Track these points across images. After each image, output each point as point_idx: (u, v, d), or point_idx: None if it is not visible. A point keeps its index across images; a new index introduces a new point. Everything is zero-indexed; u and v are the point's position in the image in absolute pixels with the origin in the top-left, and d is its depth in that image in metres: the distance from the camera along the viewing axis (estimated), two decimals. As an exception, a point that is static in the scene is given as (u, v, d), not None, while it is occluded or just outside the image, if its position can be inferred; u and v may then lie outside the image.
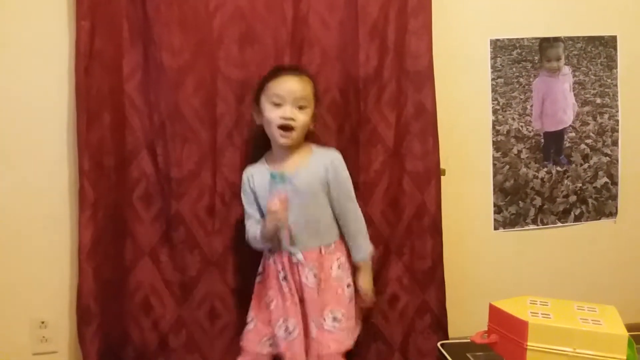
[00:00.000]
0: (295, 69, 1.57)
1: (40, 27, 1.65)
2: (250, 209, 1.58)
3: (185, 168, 1.65)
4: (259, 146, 1.63)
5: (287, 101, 1.50)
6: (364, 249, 1.59)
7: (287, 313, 1.51)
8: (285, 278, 1.53)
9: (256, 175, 1.57)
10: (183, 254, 1.66)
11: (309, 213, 1.53)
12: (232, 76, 1.66)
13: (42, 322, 1.73)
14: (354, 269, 1.60)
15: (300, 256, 1.52)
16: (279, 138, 1.52)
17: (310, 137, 1.63)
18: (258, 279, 1.61)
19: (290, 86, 1.51)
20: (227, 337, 1.70)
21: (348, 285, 1.57)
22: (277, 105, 1.51)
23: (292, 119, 1.50)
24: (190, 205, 1.66)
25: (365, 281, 1.59)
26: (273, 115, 1.51)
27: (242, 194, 1.59)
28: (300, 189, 1.51)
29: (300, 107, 1.51)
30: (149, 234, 1.68)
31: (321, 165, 1.55)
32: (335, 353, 1.49)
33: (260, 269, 1.61)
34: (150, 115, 1.65)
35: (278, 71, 1.55)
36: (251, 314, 1.58)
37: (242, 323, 1.64)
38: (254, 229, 1.55)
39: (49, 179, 1.69)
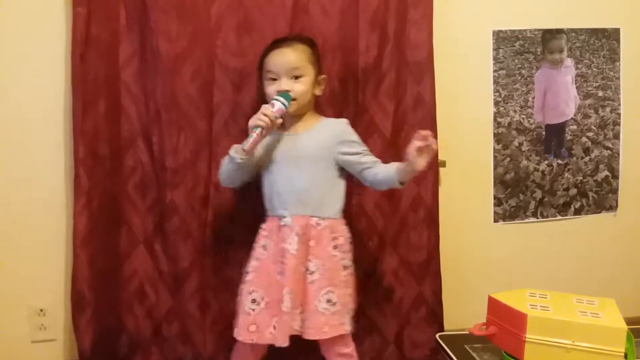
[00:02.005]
0: (289, 39, 1.54)
1: (36, 14, 1.64)
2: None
3: (180, 157, 1.63)
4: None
5: (281, 74, 1.49)
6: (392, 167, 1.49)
7: (257, 284, 1.47)
8: (264, 247, 1.50)
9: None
10: (176, 244, 1.65)
11: (305, 177, 1.49)
12: (230, 65, 1.65)
13: (41, 310, 1.73)
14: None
15: (288, 220, 1.47)
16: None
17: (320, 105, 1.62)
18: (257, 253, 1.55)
19: (281, 59, 1.49)
20: (219, 329, 1.69)
21: (345, 267, 1.52)
22: (273, 80, 1.50)
23: (287, 91, 1.48)
24: (185, 195, 1.65)
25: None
26: (270, 90, 1.50)
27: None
28: (302, 152, 1.50)
29: (296, 77, 1.49)
30: (144, 223, 1.67)
31: (328, 131, 1.54)
32: (337, 336, 1.47)
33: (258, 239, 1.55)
34: (146, 103, 1.64)
35: (272, 45, 1.54)
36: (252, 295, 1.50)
37: (234, 315, 1.63)
38: (224, 159, 1.49)
39: (44, 166, 1.69)
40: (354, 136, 1.56)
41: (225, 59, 1.64)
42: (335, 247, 1.51)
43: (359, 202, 1.72)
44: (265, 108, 1.43)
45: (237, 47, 1.65)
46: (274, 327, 1.43)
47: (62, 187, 1.69)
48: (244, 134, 1.65)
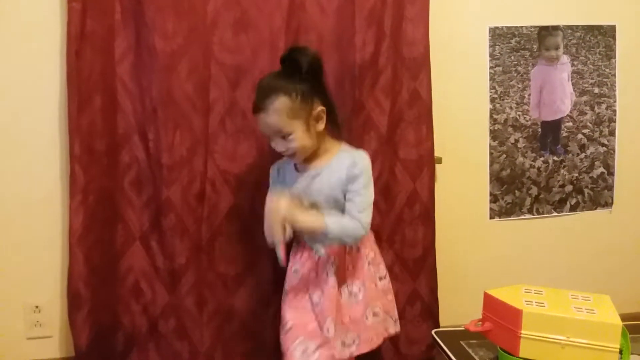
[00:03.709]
0: (263, 99, 1.38)
1: (31, 9, 1.63)
2: None
3: (176, 154, 1.63)
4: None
5: (271, 136, 1.42)
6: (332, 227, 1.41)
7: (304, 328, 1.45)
8: (296, 271, 1.50)
9: (283, 169, 1.52)
10: (172, 240, 1.65)
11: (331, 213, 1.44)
12: (226, 62, 1.65)
13: (36, 307, 1.72)
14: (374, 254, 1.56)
15: (322, 251, 1.46)
16: (291, 160, 1.49)
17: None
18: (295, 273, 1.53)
19: (263, 127, 1.42)
20: (215, 325, 1.69)
21: (380, 279, 1.55)
22: (270, 137, 1.44)
23: (285, 151, 1.43)
24: (181, 191, 1.64)
25: (300, 219, 1.39)
26: (272, 146, 1.45)
27: (270, 189, 1.52)
28: (322, 189, 1.44)
29: (284, 137, 1.40)
30: (140, 219, 1.67)
31: (343, 165, 1.44)
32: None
33: (291, 264, 1.54)
34: (142, 99, 1.64)
35: (254, 102, 1.42)
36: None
37: (230, 310, 1.64)
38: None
39: (40, 163, 1.68)
40: (359, 181, 1.43)
41: (222, 56, 1.64)
42: (369, 263, 1.53)
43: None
44: (268, 217, 1.36)
45: (234, 44, 1.65)
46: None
47: (58, 183, 1.69)
48: (240, 131, 1.66)
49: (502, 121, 1.97)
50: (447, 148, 1.88)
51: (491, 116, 1.97)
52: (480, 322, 1.45)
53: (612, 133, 2.06)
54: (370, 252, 1.55)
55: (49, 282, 1.71)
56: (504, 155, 1.99)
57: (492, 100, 1.96)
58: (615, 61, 2.04)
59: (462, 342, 1.58)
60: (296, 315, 1.47)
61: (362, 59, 1.69)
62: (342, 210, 1.44)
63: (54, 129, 1.67)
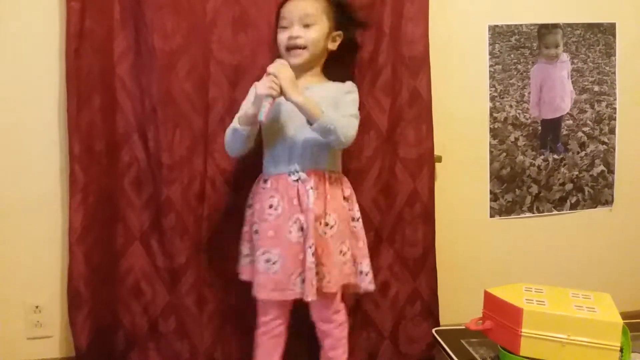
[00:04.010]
0: None
1: (29, 9, 1.63)
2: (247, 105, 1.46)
3: (176, 153, 1.63)
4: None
5: (293, 21, 1.47)
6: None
7: (271, 244, 1.42)
8: (272, 206, 1.44)
9: None
10: (172, 240, 1.65)
11: (304, 132, 1.44)
12: (226, 61, 1.64)
13: (37, 307, 1.72)
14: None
15: (302, 174, 1.44)
16: (290, 58, 1.47)
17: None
18: (248, 211, 1.53)
19: (295, 6, 1.47)
20: (216, 324, 1.69)
21: (353, 219, 1.52)
22: (285, 28, 1.48)
23: (298, 37, 1.46)
24: (181, 191, 1.64)
25: (299, 91, 1.40)
26: (281, 37, 1.49)
27: (246, 100, 1.50)
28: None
29: (307, 25, 1.47)
30: (140, 219, 1.67)
31: (334, 87, 1.51)
32: (330, 299, 1.47)
33: (249, 200, 1.54)
34: (141, 99, 1.63)
35: None
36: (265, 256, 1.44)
37: (231, 310, 1.63)
38: (228, 129, 1.46)
39: (39, 163, 1.68)
40: (352, 95, 1.51)
41: (221, 55, 1.64)
42: (344, 198, 1.51)
43: (357, 199, 1.71)
44: (273, 71, 1.37)
45: (233, 43, 1.64)
46: (296, 283, 1.40)
47: (58, 183, 1.68)
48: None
49: (502, 119, 1.97)
50: (447, 147, 1.88)
51: (491, 114, 1.96)
52: (480, 321, 1.45)
53: (612, 131, 2.05)
54: (347, 189, 1.53)
55: (49, 282, 1.71)
56: (504, 154, 1.99)
57: (492, 98, 1.96)
58: (615, 59, 2.03)
59: (462, 341, 1.59)
60: (284, 251, 1.42)
61: (361, 57, 1.69)
62: None
63: (54, 128, 1.66)
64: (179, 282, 1.67)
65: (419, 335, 1.81)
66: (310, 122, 1.39)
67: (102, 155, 1.63)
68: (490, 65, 1.94)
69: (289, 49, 1.48)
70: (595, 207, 2.07)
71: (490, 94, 1.96)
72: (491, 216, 2.00)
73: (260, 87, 1.37)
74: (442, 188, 1.87)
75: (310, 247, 1.40)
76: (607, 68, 2.03)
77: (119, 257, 1.67)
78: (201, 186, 1.66)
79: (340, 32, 1.54)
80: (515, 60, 1.96)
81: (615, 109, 2.05)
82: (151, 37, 1.58)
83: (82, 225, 1.61)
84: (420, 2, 1.74)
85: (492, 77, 1.95)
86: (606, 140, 2.05)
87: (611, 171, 2.07)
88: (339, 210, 1.48)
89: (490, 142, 1.97)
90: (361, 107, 1.70)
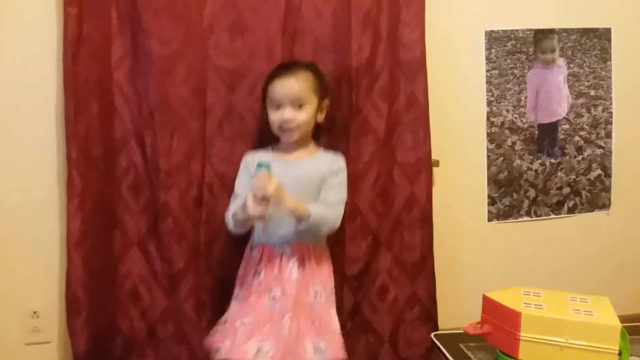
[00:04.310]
0: (293, 67, 1.53)
1: (27, 15, 1.63)
2: (242, 190, 1.51)
3: (174, 159, 1.63)
4: (268, 136, 1.60)
5: (285, 103, 1.49)
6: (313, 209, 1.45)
7: (245, 313, 1.46)
8: (258, 274, 1.49)
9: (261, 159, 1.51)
10: (170, 245, 1.64)
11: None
12: (223, 66, 1.64)
13: (34, 313, 1.71)
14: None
15: (287, 248, 1.48)
16: (284, 137, 1.53)
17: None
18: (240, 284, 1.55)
19: (285, 89, 1.49)
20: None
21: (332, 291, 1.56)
22: (277, 107, 1.50)
23: (291, 121, 1.49)
24: (179, 196, 1.64)
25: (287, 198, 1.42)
26: (274, 118, 1.51)
27: (238, 176, 1.56)
28: (299, 178, 1.48)
29: (300, 106, 1.50)
30: (138, 224, 1.66)
31: (324, 161, 1.54)
32: None
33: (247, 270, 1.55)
34: (139, 104, 1.63)
35: (276, 71, 1.54)
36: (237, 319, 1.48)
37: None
38: (227, 216, 1.51)
39: (37, 168, 1.67)
40: (339, 176, 1.54)
41: (218, 60, 1.64)
42: (327, 263, 1.56)
43: (353, 202, 1.72)
44: (260, 191, 1.35)
45: (230, 48, 1.65)
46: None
47: (55, 188, 1.68)
48: (238, 135, 1.66)
49: (499, 124, 1.98)
50: (445, 151, 1.88)
51: (488, 119, 1.97)
52: (479, 325, 1.45)
53: (608, 135, 2.06)
54: (331, 264, 1.57)
55: (47, 287, 1.71)
56: (501, 158, 1.99)
57: (489, 103, 1.97)
58: (611, 63, 2.04)
59: (461, 345, 1.59)
60: (254, 316, 1.45)
61: (358, 62, 1.69)
62: (315, 196, 1.49)
63: (51, 134, 1.66)
64: (177, 287, 1.66)
65: (418, 339, 1.81)
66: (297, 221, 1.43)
67: (100, 161, 1.63)
68: (487, 70, 1.95)
69: (282, 129, 1.51)
70: (593, 211, 2.07)
71: (487, 99, 1.96)
72: (489, 220, 2.00)
73: (251, 211, 1.36)
74: (440, 192, 1.87)
75: (290, 319, 1.42)
76: (603, 73, 2.04)
77: (117, 262, 1.66)
78: (199, 191, 1.66)
79: (327, 102, 1.58)
80: (512, 65, 1.97)
81: (611, 113, 2.06)
82: (148, 42, 1.58)
83: (79, 230, 1.61)
84: (416, 7, 1.74)
85: (488, 81, 1.96)
86: (603, 144, 2.06)
87: (608, 175, 2.07)
88: (324, 276, 1.53)
89: (487, 147, 1.98)
90: (358, 112, 1.72)
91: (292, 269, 1.48)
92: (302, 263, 1.49)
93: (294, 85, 1.50)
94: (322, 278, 1.52)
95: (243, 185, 1.53)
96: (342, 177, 1.55)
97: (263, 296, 1.47)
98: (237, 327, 1.45)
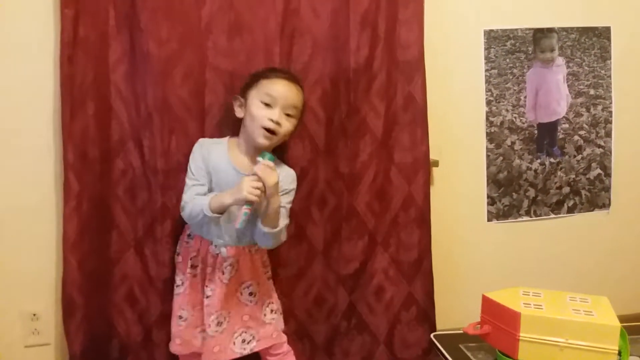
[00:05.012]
0: (294, 76, 1.55)
1: (23, 16, 1.62)
2: (201, 177, 1.49)
3: (172, 160, 1.62)
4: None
5: (278, 104, 1.47)
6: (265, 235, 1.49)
7: (184, 302, 1.54)
8: (193, 266, 1.54)
9: (214, 154, 1.52)
10: (167, 247, 1.64)
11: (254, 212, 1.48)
12: (221, 66, 1.64)
13: (34, 315, 1.71)
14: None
15: (223, 250, 1.50)
16: (259, 137, 1.47)
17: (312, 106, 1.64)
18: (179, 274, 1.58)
19: (286, 90, 1.48)
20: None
21: (269, 279, 1.62)
22: (267, 105, 1.47)
23: (279, 124, 1.47)
24: (177, 198, 1.62)
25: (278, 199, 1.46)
26: (261, 113, 1.47)
27: (194, 160, 1.52)
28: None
29: (288, 115, 1.49)
30: (135, 226, 1.65)
31: (284, 178, 1.52)
32: (283, 341, 1.59)
33: (177, 249, 1.61)
34: (137, 105, 1.62)
35: (275, 71, 1.53)
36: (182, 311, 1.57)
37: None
38: (201, 200, 1.45)
39: (33, 170, 1.67)
40: (289, 198, 1.55)
41: (217, 61, 1.63)
42: (262, 263, 1.59)
43: (350, 202, 1.72)
44: (262, 175, 1.38)
45: (228, 49, 1.64)
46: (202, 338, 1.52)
47: (52, 190, 1.67)
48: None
49: (499, 124, 1.97)
50: (444, 151, 1.88)
51: (487, 119, 1.97)
52: (478, 325, 1.44)
53: (608, 134, 2.06)
54: (264, 254, 1.61)
55: (45, 289, 1.70)
56: (501, 158, 1.99)
57: (488, 102, 1.96)
58: (611, 62, 2.04)
59: (461, 346, 1.58)
60: (194, 311, 1.54)
61: (356, 62, 1.69)
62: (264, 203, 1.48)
63: (48, 135, 1.66)
64: (173, 291, 1.65)
65: (414, 340, 1.81)
66: (262, 222, 1.44)
67: (97, 163, 1.62)
68: (486, 70, 1.95)
69: (265, 129, 1.46)
70: (593, 211, 2.07)
71: (486, 98, 1.96)
72: (489, 220, 2.00)
73: (247, 191, 1.37)
74: (439, 192, 1.87)
75: (217, 318, 1.50)
76: (603, 71, 2.04)
77: (113, 264, 1.65)
78: (197, 193, 1.65)
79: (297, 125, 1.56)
80: (511, 65, 1.96)
81: (611, 112, 2.05)
82: (146, 43, 1.58)
83: (75, 232, 1.61)
84: (414, 6, 1.74)
85: (487, 81, 1.95)
86: (602, 143, 2.06)
87: (608, 174, 2.07)
88: (258, 277, 1.57)
89: (486, 146, 1.97)
90: (356, 112, 1.72)
91: (225, 270, 1.51)
92: (236, 266, 1.52)
93: (295, 93, 1.50)
94: (257, 280, 1.56)
95: (201, 171, 1.50)
96: (290, 197, 1.55)
97: (196, 292, 1.53)
98: (182, 325, 1.54)
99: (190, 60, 1.62)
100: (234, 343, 1.53)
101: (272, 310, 1.59)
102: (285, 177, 1.54)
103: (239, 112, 1.54)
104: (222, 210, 1.44)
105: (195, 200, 1.47)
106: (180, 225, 1.63)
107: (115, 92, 1.62)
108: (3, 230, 1.68)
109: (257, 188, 1.38)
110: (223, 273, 1.51)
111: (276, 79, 1.49)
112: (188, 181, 1.51)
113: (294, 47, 1.68)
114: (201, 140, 1.57)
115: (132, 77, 1.62)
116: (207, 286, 1.51)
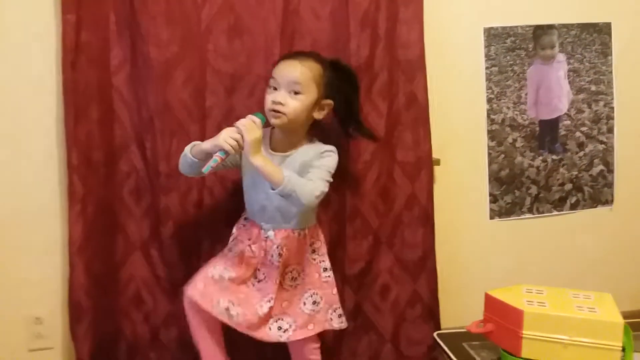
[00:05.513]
0: (303, 54, 1.52)
1: (25, 22, 1.63)
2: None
3: (174, 162, 1.61)
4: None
5: (281, 85, 1.46)
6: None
7: (231, 266, 1.51)
8: (251, 249, 1.53)
9: None
10: (172, 249, 1.65)
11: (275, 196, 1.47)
12: (222, 68, 1.64)
13: (37, 319, 1.72)
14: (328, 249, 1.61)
15: (271, 233, 1.50)
16: (271, 119, 1.48)
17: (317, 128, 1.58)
18: (231, 244, 1.57)
19: (285, 70, 1.46)
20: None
21: (325, 270, 1.58)
22: (274, 89, 1.47)
23: (280, 104, 1.45)
24: (179, 199, 1.64)
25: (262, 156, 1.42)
26: (267, 98, 1.48)
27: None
28: (294, 168, 1.47)
29: (295, 92, 1.45)
30: (140, 228, 1.67)
31: (312, 151, 1.51)
32: (315, 334, 1.55)
33: (233, 234, 1.58)
34: (139, 109, 1.64)
35: (286, 55, 1.53)
36: (219, 266, 1.51)
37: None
38: (187, 147, 1.48)
39: (38, 174, 1.68)
40: (324, 158, 1.50)
41: (217, 63, 1.64)
42: (313, 251, 1.57)
43: (354, 202, 1.72)
44: (242, 128, 1.38)
45: (229, 51, 1.65)
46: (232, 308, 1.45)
47: (57, 194, 1.68)
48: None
49: (500, 121, 1.97)
50: (446, 149, 1.88)
51: (488, 116, 1.96)
52: (482, 324, 1.45)
53: (610, 130, 2.05)
54: (317, 241, 1.58)
55: (49, 293, 1.71)
56: (503, 155, 1.99)
57: (489, 100, 1.96)
58: (612, 58, 2.03)
59: (464, 344, 1.58)
60: (235, 279, 1.50)
61: (357, 62, 1.69)
62: None
63: (52, 140, 1.66)
64: (180, 291, 1.66)
65: (420, 338, 1.81)
66: (272, 187, 1.41)
67: (101, 166, 1.64)
68: (487, 68, 1.94)
69: (273, 111, 1.47)
70: (596, 207, 2.06)
71: (487, 96, 1.96)
72: (491, 218, 2.00)
73: (223, 138, 1.37)
74: (441, 191, 1.87)
75: (269, 302, 1.49)
76: (604, 67, 2.03)
77: (120, 267, 1.67)
78: (199, 194, 1.66)
79: (330, 102, 1.51)
80: (512, 62, 1.96)
81: (612, 108, 2.05)
82: (147, 47, 1.59)
83: (81, 236, 1.62)
84: (415, 5, 1.74)
85: (488, 79, 1.95)
86: (605, 139, 2.05)
87: (610, 170, 2.06)
88: (304, 263, 1.55)
89: (488, 144, 1.97)
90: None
91: (274, 254, 1.50)
92: (283, 249, 1.50)
93: (295, 68, 1.46)
94: (302, 265, 1.55)
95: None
96: (330, 159, 1.49)
97: (250, 270, 1.52)
98: (215, 277, 1.48)
99: (191, 62, 1.63)
100: (270, 328, 1.50)
101: (314, 302, 1.54)
102: (322, 147, 1.51)
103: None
104: (201, 156, 1.43)
105: (188, 147, 1.48)
106: (184, 227, 1.64)
107: (117, 96, 1.63)
108: (7, 234, 1.69)
109: (235, 140, 1.37)
110: (273, 257, 1.50)
111: (280, 62, 1.50)
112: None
113: (295, 48, 1.68)
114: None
115: (134, 81, 1.63)
116: (259, 269, 1.52)
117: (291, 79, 1.46)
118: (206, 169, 1.38)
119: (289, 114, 1.46)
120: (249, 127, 1.39)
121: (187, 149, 1.47)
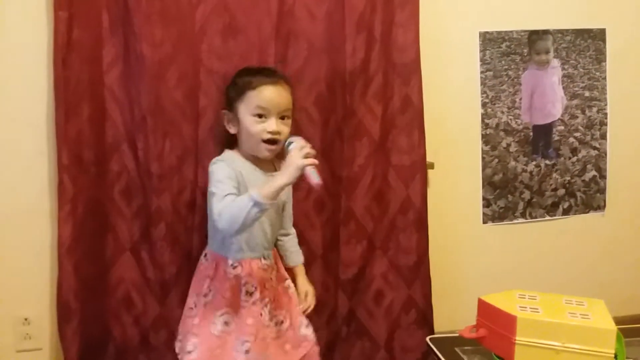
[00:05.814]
0: (277, 74, 1.47)
1: (17, 18, 1.61)
2: (232, 184, 1.35)
3: (166, 163, 1.61)
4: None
5: (272, 113, 1.40)
6: (300, 251, 1.61)
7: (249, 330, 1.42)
8: (249, 293, 1.44)
9: (245, 172, 1.44)
10: (163, 250, 1.63)
11: (276, 217, 1.51)
12: (215, 68, 1.63)
13: (26, 319, 1.70)
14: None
15: (271, 258, 1.51)
16: (263, 152, 1.42)
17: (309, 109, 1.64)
18: (203, 300, 1.46)
19: (275, 97, 1.41)
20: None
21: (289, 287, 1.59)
22: (260, 117, 1.41)
23: (279, 133, 1.40)
24: (171, 200, 1.62)
25: (307, 282, 1.60)
26: (257, 128, 1.40)
27: (217, 172, 1.38)
28: (281, 196, 1.42)
29: (283, 118, 1.42)
30: (131, 229, 1.64)
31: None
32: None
33: (205, 289, 1.46)
34: (131, 108, 1.61)
35: (256, 76, 1.43)
36: (193, 340, 1.43)
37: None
38: (241, 199, 1.28)
39: (28, 173, 1.65)
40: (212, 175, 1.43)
41: (211, 63, 1.62)
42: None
43: (348, 206, 1.71)
44: (300, 147, 1.32)
45: (223, 51, 1.63)
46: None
47: (46, 194, 1.66)
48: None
49: (494, 126, 1.97)
50: (439, 153, 1.88)
51: (483, 121, 1.97)
52: (474, 329, 1.44)
53: (603, 136, 2.06)
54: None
55: (38, 294, 1.69)
56: (496, 160, 1.99)
57: (484, 104, 1.96)
58: (606, 64, 2.04)
59: (456, 349, 1.57)
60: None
61: (352, 65, 1.69)
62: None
63: (42, 138, 1.64)
64: (170, 293, 1.65)
65: (414, 344, 1.81)
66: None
67: (91, 165, 1.61)
68: (481, 72, 1.95)
69: (267, 142, 1.41)
70: (588, 212, 2.07)
71: (481, 101, 1.96)
72: (484, 222, 2.00)
73: (297, 157, 1.28)
74: (434, 195, 1.86)
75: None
76: (598, 73, 2.04)
77: (109, 268, 1.64)
78: (192, 195, 1.64)
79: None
80: (506, 67, 1.96)
81: (606, 114, 2.06)
82: (140, 45, 1.57)
83: (71, 236, 1.59)
84: (410, 9, 1.74)
85: (483, 83, 1.95)
86: (597, 145, 2.06)
87: (603, 176, 2.07)
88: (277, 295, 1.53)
89: (482, 149, 1.97)
90: (353, 115, 1.71)
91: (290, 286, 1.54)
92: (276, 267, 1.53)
93: (283, 94, 1.42)
94: (276, 297, 1.52)
95: (231, 177, 1.37)
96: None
97: (256, 310, 1.44)
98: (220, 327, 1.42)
99: (184, 62, 1.61)
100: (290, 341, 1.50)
101: (306, 325, 1.55)
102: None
103: (231, 129, 1.47)
104: (275, 197, 1.29)
105: (233, 202, 1.29)
106: (176, 228, 1.63)
107: (109, 94, 1.61)
108: (-3, 234, 1.67)
109: (306, 151, 1.29)
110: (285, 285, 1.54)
111: (262, 87, 1.40)
112: (217, 191, 1.33)
113: (289, 49, 1.67)
114: (227, 162, 1.43)
115: (126, 80, 1.61)
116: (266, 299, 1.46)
117: (284, 106, 1.42)
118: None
119: (282, 142, 1.41)
120: (303, 145, 1.33)
121: (255, 197, 1.25)
